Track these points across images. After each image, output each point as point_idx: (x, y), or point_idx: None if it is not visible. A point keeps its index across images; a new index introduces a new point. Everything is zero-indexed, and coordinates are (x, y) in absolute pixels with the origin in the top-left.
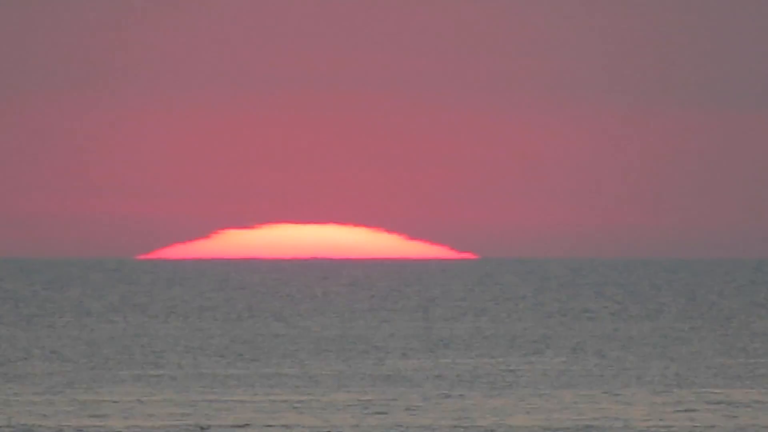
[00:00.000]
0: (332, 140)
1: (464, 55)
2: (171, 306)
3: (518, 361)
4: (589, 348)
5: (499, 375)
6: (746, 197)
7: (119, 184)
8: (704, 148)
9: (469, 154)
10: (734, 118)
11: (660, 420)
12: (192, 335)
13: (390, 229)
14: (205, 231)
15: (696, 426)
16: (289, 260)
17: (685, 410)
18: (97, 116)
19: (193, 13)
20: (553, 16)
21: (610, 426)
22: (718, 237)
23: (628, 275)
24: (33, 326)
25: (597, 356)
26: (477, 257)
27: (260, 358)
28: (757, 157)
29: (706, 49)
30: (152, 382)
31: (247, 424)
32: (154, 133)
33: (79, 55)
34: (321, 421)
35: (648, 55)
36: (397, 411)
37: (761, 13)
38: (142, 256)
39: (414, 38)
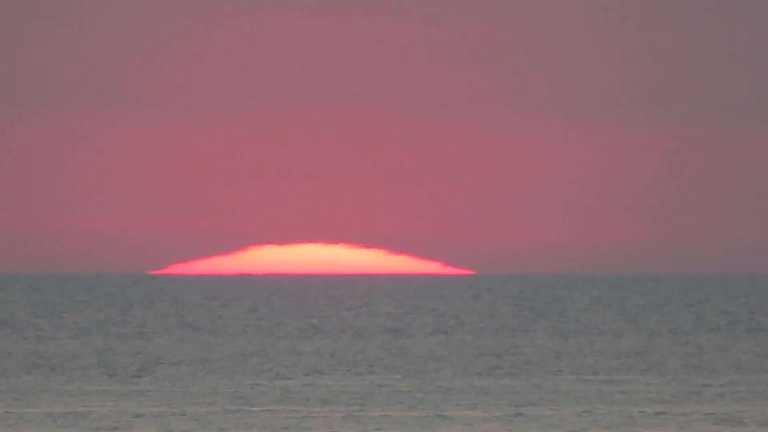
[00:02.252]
0: (332, 156)
1: (461, 70)
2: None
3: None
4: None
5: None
6: (753, 212)
7: (135, 199)
8: (707, 163)
9: (467, 169)
10: (740, 133)
11: None
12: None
13: (382, 246)
14: (212, 249)
15: None
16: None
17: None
18: (113, 132)
19: (218, 32)
20: (555, 30)
21: None
22: (722, 251)
23: (627, 291)
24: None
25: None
26: (474, 273)
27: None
28: (765, 173)
29: (712, 64)
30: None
31: None
32: (164, 148)
33: (97, 70)
34: None
35: (652, 71)
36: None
37: None
38: (154, 272)
39: (410, 54)
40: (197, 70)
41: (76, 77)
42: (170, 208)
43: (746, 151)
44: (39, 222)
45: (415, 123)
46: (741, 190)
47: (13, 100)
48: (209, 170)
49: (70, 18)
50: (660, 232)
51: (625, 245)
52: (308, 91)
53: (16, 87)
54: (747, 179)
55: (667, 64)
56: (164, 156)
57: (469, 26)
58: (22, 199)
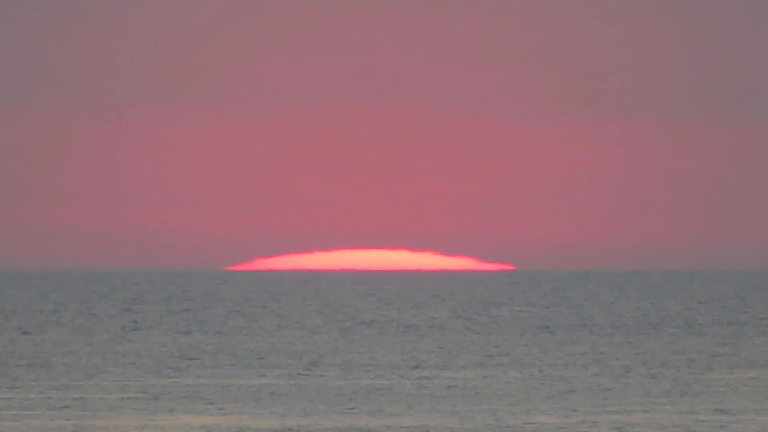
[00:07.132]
0: (373, 155)
1: (494, 67)
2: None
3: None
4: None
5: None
6: None
7: (207, 198)
8: (742, 160)
9: (496, 165)
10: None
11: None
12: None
13: (423, 247)
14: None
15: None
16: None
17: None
18: (196, 128)
19: (280, 30)
20: (583, 28)
21: None
22: (763, 248)
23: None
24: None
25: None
26: (515, 268)
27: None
28: None
29: (737, 59)
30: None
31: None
32: (244, 146)
33: (173, 67)
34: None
35: (681, 67)
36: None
37: None
38: (232, 268)
39: (444, 51)
40: (280, 66)
41: (166, 72)
42: (251, 205)
43: None
44: (118, 219)
45: (444, 120)
46: None
47: (93, 96)
48: (289, 168)
49: (153, 11)
50: (697, 229)
51: (674, 242)
52: (355, 90)
53: (100, 83)
54: None
55: (700, 61)
56: (246, 154)
57: (510, 22)
58: (99, 196)
